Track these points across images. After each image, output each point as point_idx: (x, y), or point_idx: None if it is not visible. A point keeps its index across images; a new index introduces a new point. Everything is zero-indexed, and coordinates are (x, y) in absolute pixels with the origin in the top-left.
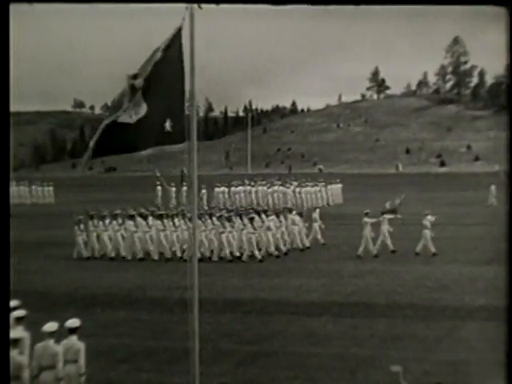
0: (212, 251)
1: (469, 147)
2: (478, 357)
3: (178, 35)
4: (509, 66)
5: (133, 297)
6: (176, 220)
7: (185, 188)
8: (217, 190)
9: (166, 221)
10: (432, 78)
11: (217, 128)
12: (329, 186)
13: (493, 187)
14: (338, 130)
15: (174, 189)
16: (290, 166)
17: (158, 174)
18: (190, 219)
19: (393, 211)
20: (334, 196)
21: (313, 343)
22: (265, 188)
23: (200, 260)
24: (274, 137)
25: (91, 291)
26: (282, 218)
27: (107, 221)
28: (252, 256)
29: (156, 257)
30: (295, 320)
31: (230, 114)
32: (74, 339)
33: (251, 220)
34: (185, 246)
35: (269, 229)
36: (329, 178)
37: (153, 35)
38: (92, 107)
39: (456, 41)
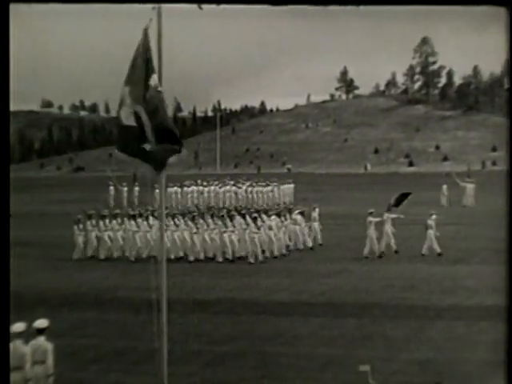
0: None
1: (437, 147)
2: (447, 356)
3: (144, 36)
4: (509, 66)
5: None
6: (176, 220)
7: (137, 188)
8: (169, 189)
9: (166, 220)
10: (400, 78)
11: (185, 128)
12: (281, 186)
13: (444, 187)
14: (307, 130)
15: (125, 189)
16: (259, 166)
17: (111, 175)
18: (192, 219)
19: (388, 207)
20: (286, 196)
21: (281, 343)
22: (217, 188)
23: (208, 260)
24: (243, 137)
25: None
26: (283, 217)
27: (107, 221)
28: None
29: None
30: (264, 320)
31: (199, 114)
32: (42, 340)
33: (254, 220)
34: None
35: (270, 228)
36: (297, 177)
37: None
38: (60, 107)
39: (424, 41)
